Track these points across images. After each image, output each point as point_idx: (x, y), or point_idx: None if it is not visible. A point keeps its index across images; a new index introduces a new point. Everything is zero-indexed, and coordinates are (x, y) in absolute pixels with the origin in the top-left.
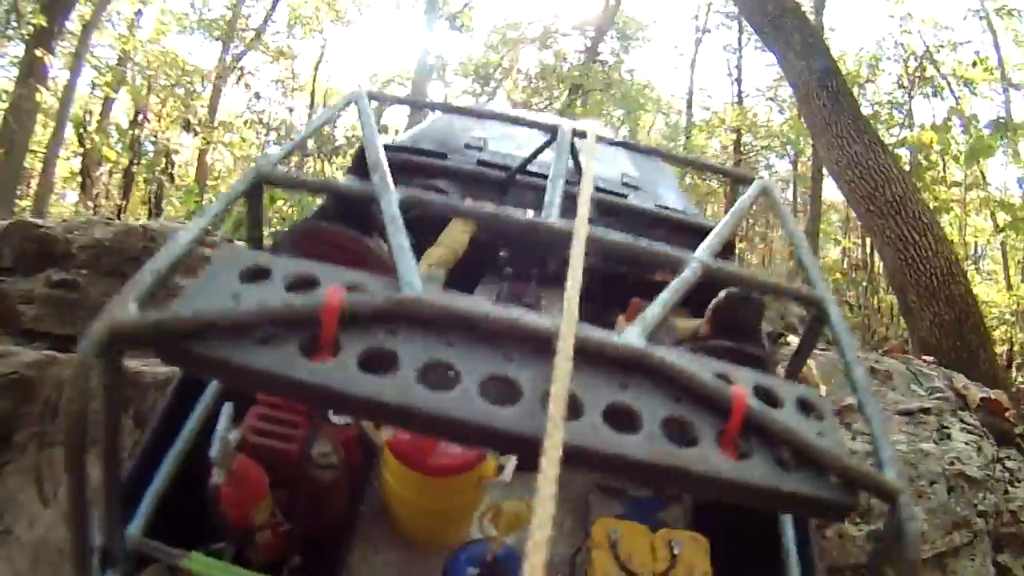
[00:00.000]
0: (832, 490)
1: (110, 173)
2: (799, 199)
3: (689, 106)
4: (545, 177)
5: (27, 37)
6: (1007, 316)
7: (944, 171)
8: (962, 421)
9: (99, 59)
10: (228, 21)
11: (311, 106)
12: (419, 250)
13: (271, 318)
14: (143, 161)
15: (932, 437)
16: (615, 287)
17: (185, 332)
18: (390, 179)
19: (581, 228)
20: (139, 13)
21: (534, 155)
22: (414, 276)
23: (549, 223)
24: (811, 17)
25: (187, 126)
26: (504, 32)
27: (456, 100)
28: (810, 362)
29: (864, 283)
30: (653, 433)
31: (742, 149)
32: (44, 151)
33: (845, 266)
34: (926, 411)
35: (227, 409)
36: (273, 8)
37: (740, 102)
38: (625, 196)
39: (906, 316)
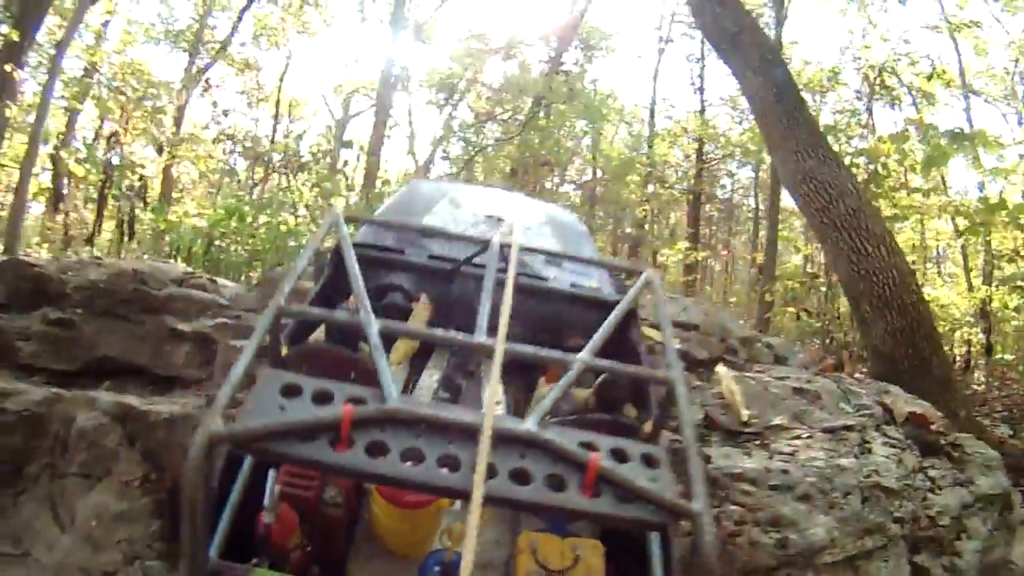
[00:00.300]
0: (655, 514)
1: (77, 187)
2: (760, 206)
3: (652, 116)
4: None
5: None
6: (967, 318)
7: (905, 177)
8: (885, 435)
9: (63, 71)
10: (195, 32)
11: (276, 117)
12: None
13: (310, 426)
14: (112, 178)
15: (853, 452)
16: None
17: (258, 438)
18: (371, 312)
19: (499, 346)
20: (106, 24)
21: (469, 259)
22: (393, 391)
23: (478, 342)
24: (771, 30)
25: (157, 147)
26: (468, 43)
27: (419, 110)
28: (735, 387)
29: (824, 289)
30: (539, 485)
31: (704, 158)
32: (17, 166)
33: (807, 272)
34: (849, 428)
35: (272, 474)
36: (239, 19)
37: (703, 111)
38: (546, 279)
39: (860, 325)
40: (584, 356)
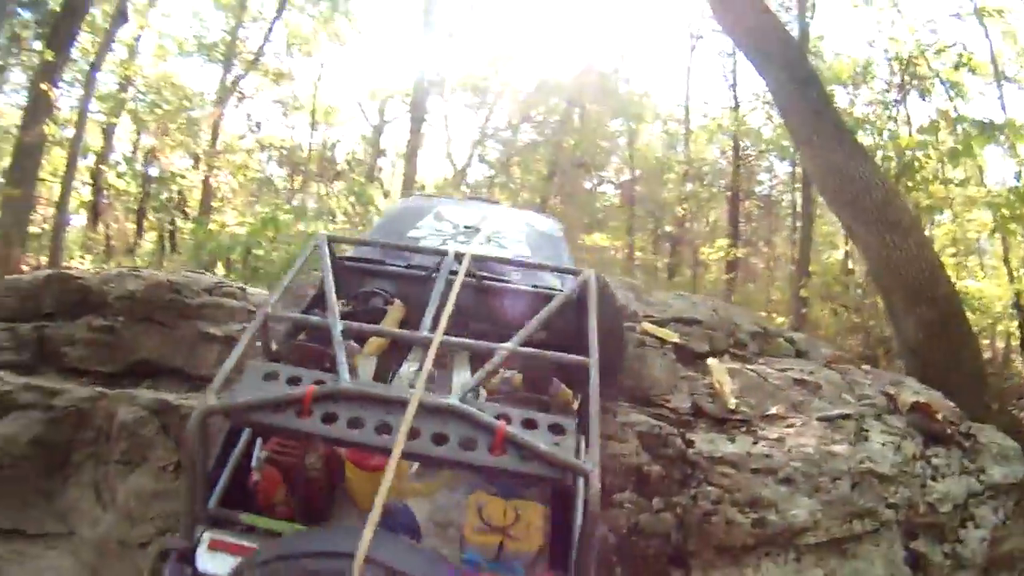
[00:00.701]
0: (550, 471)
1: (117, 200)
2: (799, 201)
3: (687, 114)
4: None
5: (32, 70)
6: (1010, 310)
7: (942, 169)
8: (885, 424)
9: (98, 88)
10: (227, 44)
11: (312, 125)
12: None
13: (281, 401)
14: (149, 191)
15: (847, 439)
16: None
17: (240, 410)
18: (337, 315)
19: (436, 339)
20: (138, 39)
21: (436, 268)
22: (346, 375)
23: (419, 336)
24: (795, 25)
25: (194, 158)
26: (501, 47)
27: (455, 115)
28: (725, 378)
29: (861, 285)
30: (454, 445)
31: (741, 154)
32: (59, 181)
33: (843, 267)
34: (846, 417)
35: (259, 442)
36: (270, 30)
37: (736, 108)
38: (508, 280)
39: (891, 319)
40: (508, 345)
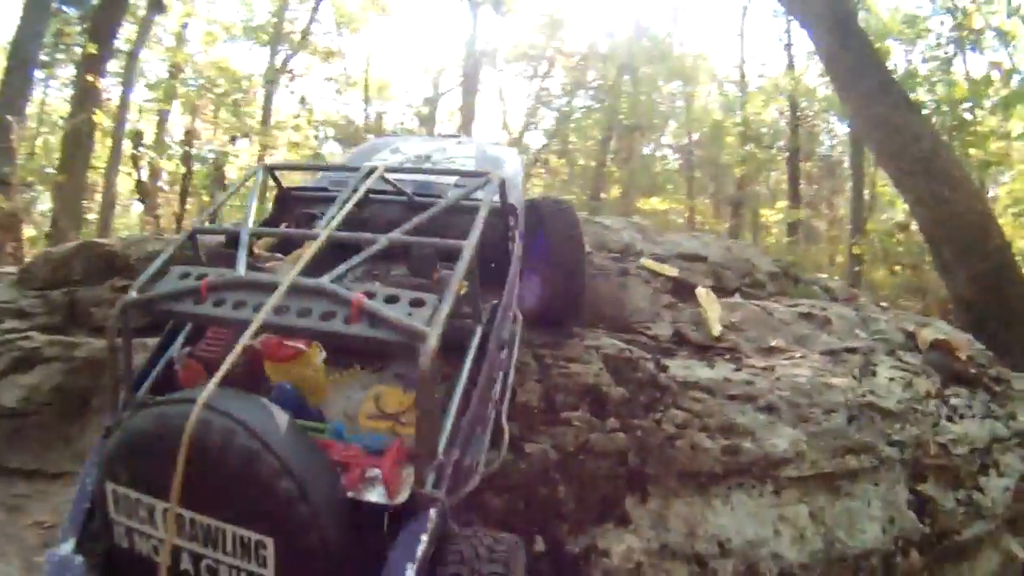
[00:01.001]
0: (394, 335)
1: (170, 184)
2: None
3: (742, 75)
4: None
5: (78, 62)
6: None
7: (1005, 125)
8: (899, 360)
9: (145, 76)
10: (273, 26)
11: (365, 101)
12: None
13: (182, 292)
14: (200, 170)
15: (851, 373)
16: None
17: (152, 302)
18: (249, 224)
19: (322, 236)
20: (185, 26)
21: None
22: (241, 268)
23: (309, 234)
24: None
25: (245, 135)
26: (551, 14)
27: (509, 84)
28: (712, 306)
29: (919, 243)
30: (316, 317)
31: (799, 115)
32: (104, 167)
33: (896, 224)
34: (852, 351)
35: (180, 337)
36: (316, 9)
37: (792, 67)
38: (439, 197)
39: (943, 274)
40: (390, 236)
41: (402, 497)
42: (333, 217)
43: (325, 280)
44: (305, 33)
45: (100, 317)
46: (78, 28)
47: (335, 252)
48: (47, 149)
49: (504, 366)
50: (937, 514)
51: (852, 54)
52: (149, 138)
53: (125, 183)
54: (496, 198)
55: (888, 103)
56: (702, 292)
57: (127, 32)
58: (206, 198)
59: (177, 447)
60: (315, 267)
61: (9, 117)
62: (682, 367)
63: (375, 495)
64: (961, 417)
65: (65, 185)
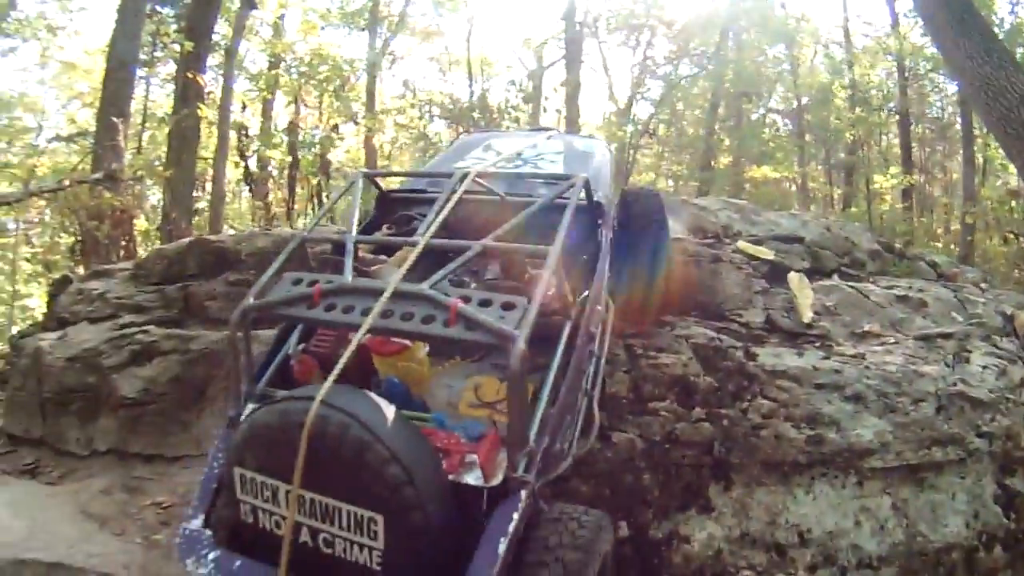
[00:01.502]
0: (487, 336)
1: (280, 171)
2: (974, 124)
3: (846, 35)
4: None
5: (177, 59)
6: None
7: None
8: (995, 346)
9: (247, 70)
10: (370, 10)
11: (470, 77)
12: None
13: (296, 297)
14: (305, 156)
15: (943, 360)
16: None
17: (270, 307)
18: (353, 231)
19: (422, 242)
20: (282, 17)
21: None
22: (348, 274)
23: (408, 240)
24: None
25: (350, 119)
26: None
27: (613, 54)
28: (805, 292)
29: None
30: (417, 321)
31: (907, 75)
32: (212, 158)
33: (1009, 190)
34: (947, 336)
35: (295, 335)
36: None
37: (896, 25)
38: (530, 195)
39: None
40: (483, 242)
41: (497, 480)
42: (431, 224)
43: (425, 286)
44: (402, 15)
45: (215, 310)
46: (174, 27)
47: (434, 253)
48: (154, 143)
49: (595, 356)
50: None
51: (953, 12)
52: (255, 128)
53: (235, 174)
54: (583, 196)
55: (992, 63)
56: (794, 278)
57: (223, 28)
58: (314, 182)
59: (299, 438)
60: (416, 268)
61: (112, 117)
62: (771, 355)
63: (472, 478)
64: None
65: (174, 179)
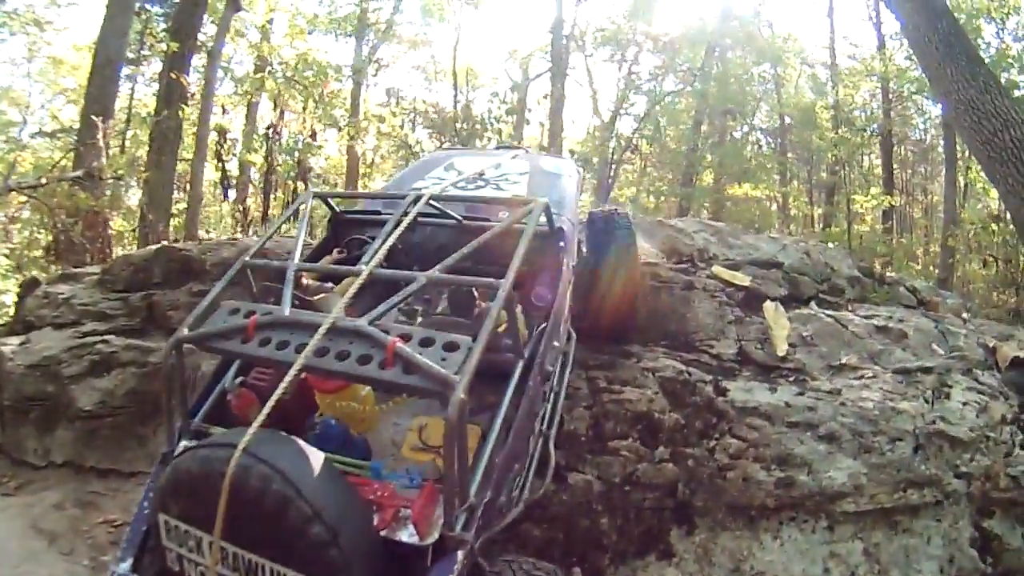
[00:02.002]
0: (425, 382)
1: (261, 176)
2: (957, 145)
3: (832, 56)
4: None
5: (163, 58)
6: None
7: None
8: (975, 381)
9: (231, 72)
10: (357, 17)
11: (455, 87)
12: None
13: (229, 330)
14: (287, 162)
15: (922, 396)
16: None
17: (203, 339)
18: (295, 260)
19: (365, 271)
20: (271, 21)
21: (406, 213)
22: (286, 309)
23: (354, 269)
24: None
25: (332, 126)
26: None
27: (599, 68)
28: (781, 322)
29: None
30: (353, 361)
31: (891, 96)
32: (190, 160)
33: (990, 214)
34: (927, 370)
35: (233, 368)
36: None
37: (882, 47)
38: (488, 220)
39: None
40: (428, 274)
41: (432, 537)
42: (376, 251)
43: (363, 322)
44: (389, 23)
45: (177, 321)
46: (162, 26)
47: (383, 282)
48: (136, 143)
49: (552, 392)
50: (1001, 552)
51: (940, 35)
52: (238, 132)
53: (215, 177)
54: (544, 222)
55: (978, 87)
56: (770, 307)
57: (212, 29)
58: (294, 188)
59: (219, 489)
60: (364, 297)
61: (93, 116)
62: (742, 390)
63: (406, 535)
64: None
65: (153, 180)
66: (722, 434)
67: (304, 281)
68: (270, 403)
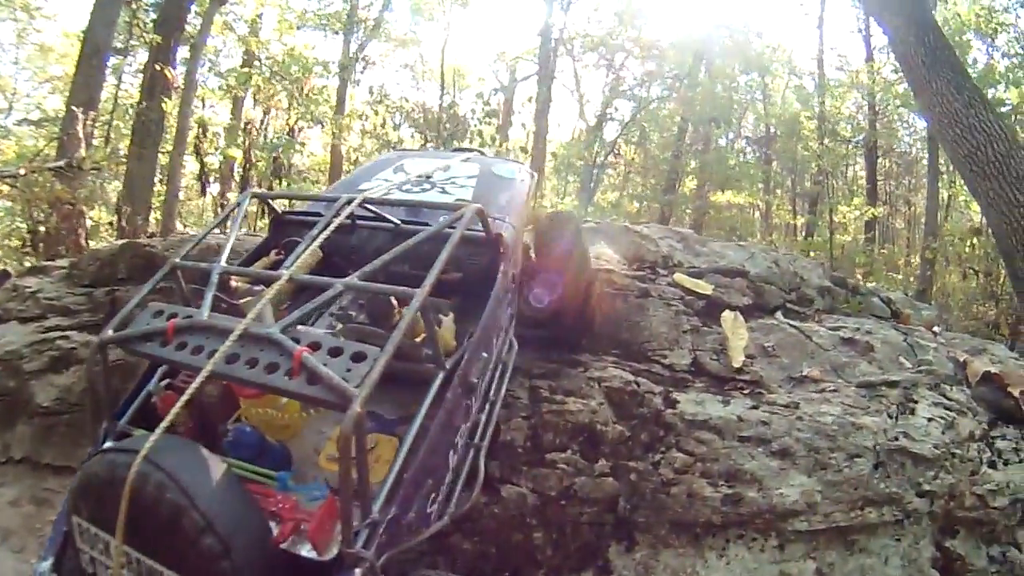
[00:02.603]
0: (328, 393)
1: (242, 171)
2: (941, 159)
3: (820, 67)
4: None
5: (149, 49)
6: None
7: None
8: (943, 396)
9: (215, 66)
10: (346, 13)
11: (442, 87)
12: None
13: (150, 332)
14: (261, 159)
15: (886, 411)
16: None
17: (125, 340)
18: (219, 262)
19: (284, 278)
20: (260, 15)
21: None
22: (204, 313)
23: (267, 274)
24: None
25: (315, 122)
26: (628, 2)
27: (583, 74)
28: (739, 332)
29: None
30: (261, 369)
31: (876, 109)
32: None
33: (971, 227)
34: (892, 384)
35: (158, 373)
36: None
37: (870, 59)
38: (427, 224)
39: (1014, 283)
40: (345, 280)
41: (331, 553)
42: (299, 255)
43: (275, 329)
44: (379, 21)
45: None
46: (152, 16)
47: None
48: (117, 134)
49: (488, 403)
50: (964, 573)
51: (927, 48)
52: (222, 126)
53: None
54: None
55: (962, 100)
56: (728, 316)
57: (199, 21)
58: (269, 186)
59: (121, 494)
60: (301, 301)
61: (79, 105)
62: (693, 402)
63: (305, 549)
64: (1006, 463)
65: (134, 172)
66: (668, 447)
67: (233, 284)
68: (175, 409)
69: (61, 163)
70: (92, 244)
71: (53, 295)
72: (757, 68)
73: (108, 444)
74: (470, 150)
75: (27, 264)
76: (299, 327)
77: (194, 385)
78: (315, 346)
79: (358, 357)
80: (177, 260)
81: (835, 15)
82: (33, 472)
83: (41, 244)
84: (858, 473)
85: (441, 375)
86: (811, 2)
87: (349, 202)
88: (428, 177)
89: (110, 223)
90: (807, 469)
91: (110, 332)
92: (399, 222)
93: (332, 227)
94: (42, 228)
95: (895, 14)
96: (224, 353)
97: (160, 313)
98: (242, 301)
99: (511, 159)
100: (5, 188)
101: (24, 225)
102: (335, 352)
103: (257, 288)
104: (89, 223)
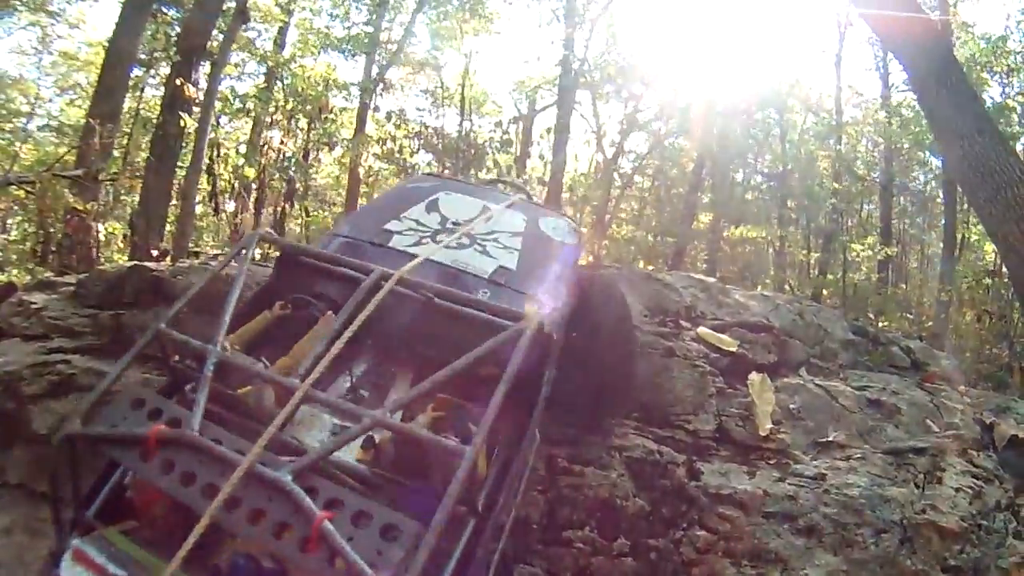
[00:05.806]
0: None
1: (259, 191)
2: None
3: (837, 104)
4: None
5: (171, 62)
6: None
7: None
8: (970, 463)
9: (233, 90)
10: (370, 36)
11: (461, 113)
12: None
13: (127, 438)
14: (275, 179)
15: (913, 480)
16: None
17: (95, 441)
18: (218, 345)
19: (299, 392)
20: (283, 33)
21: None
22: (196, 422)
23: (287, 382)
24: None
25: (330, 145)
26: (648, 37)
27: (601, 106)
28: (766, 396)
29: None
30: (265, 529)
31: (893, 147)
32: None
33: (986, 269)
34: (920, 451)
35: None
36: (412, 23)
37: (887, 97)
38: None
39: None
40: (374, 414)
41: None
42: (321, 357)
43: (287, 474)
44: (400, 45)
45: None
46: (177, 30)
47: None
48: (134, 147)
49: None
50: None
51: (948, 88)
52: (242, 145)
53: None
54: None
55: (984, 142)
56: (756, 380)
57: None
58: (281, 209)
59: None
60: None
61: (101, 115)
62: (718, 474)
63: None
64: None
65: (150, 187)
66: (690, 524)
67: (229, 346)
68: (181, 553)
69: (79, 172)
70: (104, 256)
71: (58, 314)
72: (773, 104)
73: (75, 540)
74: (511, 184)
75: (34, 275)
76: (305, 406)
77: (197, 531)
78: (334, 503)
79: (389, 532)
80: (162, 326)
81: (853, 53)
82: (28, 500)
83: (51, 254)
84: (884, 550)
85: (473, 523)
86: (829, 41)
87: (381, 280)
88: (468, 227)
89: (124, 236)
90: (833, 547)
91: (78, 423)
92: (434, 296)
93: (362, 318)
94: (51, 238)
95: (916, 54)
96: (224, 497)
97: (140, 404)
98: (244, 391)
99: (558, 212)
100: (21, 194)
101: (34, 233)
102: (360, 518)
103: (262, 363)
104: (102, 236)
